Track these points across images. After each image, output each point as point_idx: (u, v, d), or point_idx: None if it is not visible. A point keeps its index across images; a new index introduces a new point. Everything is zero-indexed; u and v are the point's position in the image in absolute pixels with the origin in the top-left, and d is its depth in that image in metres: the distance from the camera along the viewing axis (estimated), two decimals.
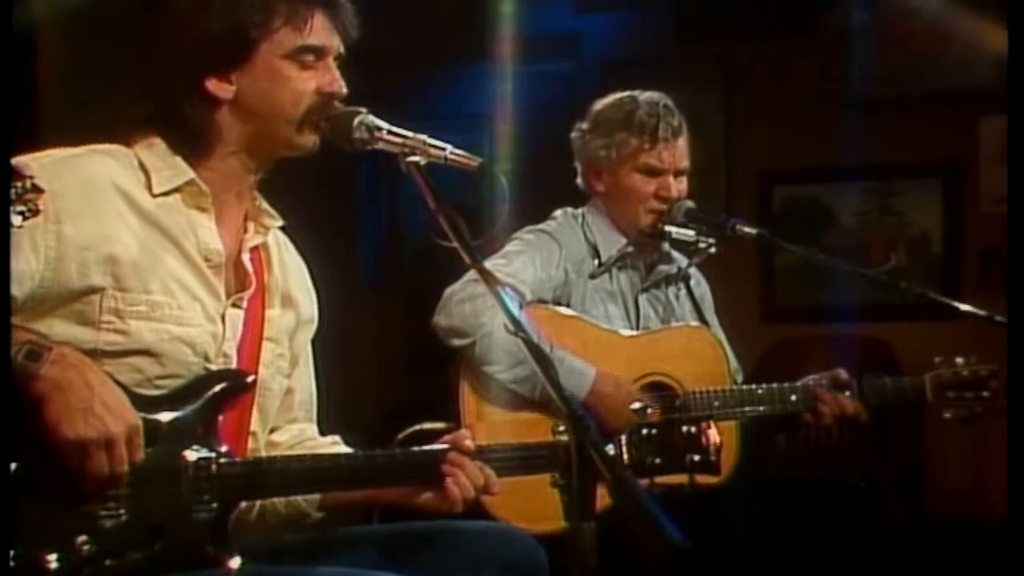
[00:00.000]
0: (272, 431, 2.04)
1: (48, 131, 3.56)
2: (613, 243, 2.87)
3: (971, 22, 4.56)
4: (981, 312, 2.72)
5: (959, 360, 2.78)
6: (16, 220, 1.60)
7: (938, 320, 2.94)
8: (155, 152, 1.87)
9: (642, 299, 2.90)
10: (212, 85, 1.86)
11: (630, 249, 2.87)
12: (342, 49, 1.93)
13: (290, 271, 2.05)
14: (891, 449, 4.58)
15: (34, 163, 1.73)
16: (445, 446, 1.94)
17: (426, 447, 1.97)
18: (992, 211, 4.68)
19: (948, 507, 4.62)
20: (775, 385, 2.74)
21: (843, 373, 2.76)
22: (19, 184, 1.59)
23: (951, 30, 4.67)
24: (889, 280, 3.00)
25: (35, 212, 1.61)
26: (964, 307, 2.76)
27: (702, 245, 2.80)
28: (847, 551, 2.76)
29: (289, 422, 2.08)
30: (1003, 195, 4.45)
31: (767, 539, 2.58)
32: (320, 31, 1.89)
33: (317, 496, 2.00)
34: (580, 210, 2.94)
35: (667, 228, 2.80)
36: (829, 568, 2.76)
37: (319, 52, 1.89)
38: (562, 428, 1.82)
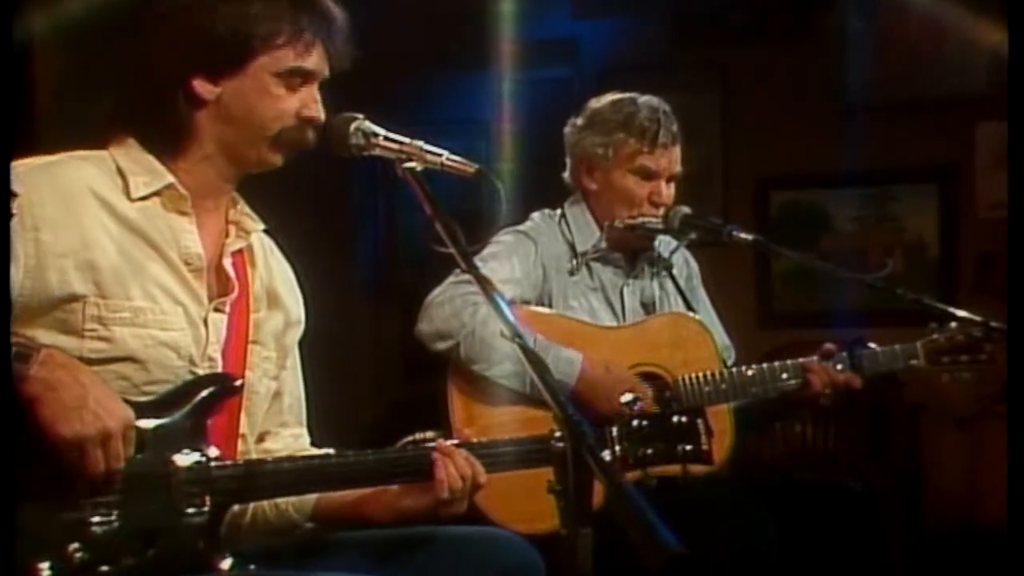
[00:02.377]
0: (264, 437, 2.04)
1: (46, 136, 3.56)
2: (590, 240, 2.87)
3: (967, 27, 4.57)
4: (977, 318, 2.72)
5: (953, 324, 2.78)
6: None
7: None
8: (132, 156, 1.86)
9: (626, 291, 2.90)
10: (198, 84, 1.85)
11: (604, 244, 2.87)
12: (327, 74, 1.93)
13: (275, 273, 2.05)
14: (888, 453, 4.58)
15: (10, 172, 1.73)
16: (431, 445, 1.94)
17: (416, 447, 1.97)
18: (988, 216, 4.68)
19: (946, 511, 4.62)
20: (765, 365, 2.74)
21: (832, 346, 2.76)
22: None
23: (947, 36, 4.68)
24: (886, 286, 3.00)
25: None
26: (960, 313, 2.76)
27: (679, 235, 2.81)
28: (845, 556, 2.76)
29: (280, 426, 2.07)
30: (999, 200, 4.48)
31: (765, 544, 2.58)
32: (315, 56, 1.89)
33: (308, 508, 1.99)
34: (558, 210, 2.94)
35: (640, 219, 2.80)
36: (827, 573, 2.76)
37: (308, 76, 1.90)
38: (558, 434, 1.82)
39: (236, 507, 1.89)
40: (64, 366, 1.66)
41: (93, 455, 1.64)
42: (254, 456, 1.96)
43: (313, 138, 1.91)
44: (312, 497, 1.98)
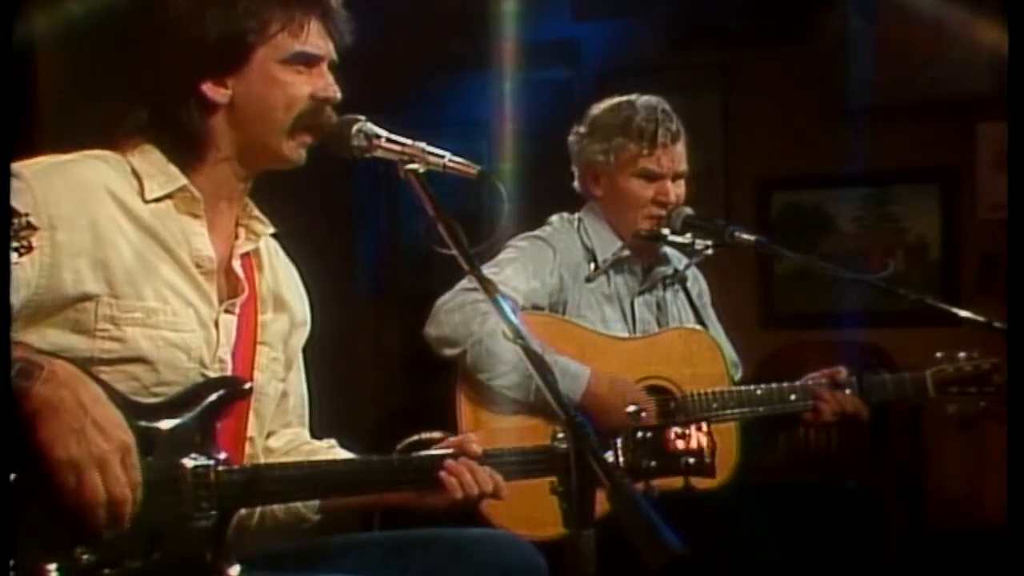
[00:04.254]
0: (267, 436, 2.04)
1: (46, 137, 3.56)
2: (610, 247, 2.87)
3: (968, 29, 4.57)
4: (979, 318, 2.72)
5: (961, 355, 2.77)
6: (13, 257, 1.63)
7: (936, 326, 2.94)
8: (148, 159, 1.87)
9: (638, 302, 2.90)
10: (208, 89, 1.86)
11: (626, 252, 2.87)
12: (335, 55, 1.93)
13: (281, 275, 2.05)
14: (890, 454, 4.58)
15: (26, 170, 1.74)
16: (445, 451, 1.94)
17: (426, 452, 1.97)
18: (989, 217, 4.69)
19: (947, 513, 4.62)
20: (774, 385, 2.73)
21: (842, 371, 2.76)
22: (15, 221, 1.61)
23: (948, 37, 4.68)
24: (887, 286, 3.01)
25: (29, 248, 1.65)
26: (962, 313, 2.76)
27: (698, 247, 2.80)
28: (845, 558, 2.76)
29: (284, 426, 2.08)
30: (1000, 201, 4.48)
31: (766, 546, 2.58)
32: (315, 37, 1.90)
33: (318, 501, 2.00)
34: (576, 215, 2.94)
35: (663, 231, 2.81)
36: (828, 575, 2.76)
37: (314, 59, 1.90)
38: (561, 435, 1.82)
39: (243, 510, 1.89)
40: (67, 384, 1.63)
41: (90, 479, 1.61)
42: (261, 458, 1.96)
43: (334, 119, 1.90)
44: None
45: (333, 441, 2.10)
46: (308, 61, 1.89)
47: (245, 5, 1.85)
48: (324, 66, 1.92)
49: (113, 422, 1.65)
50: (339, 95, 1.91)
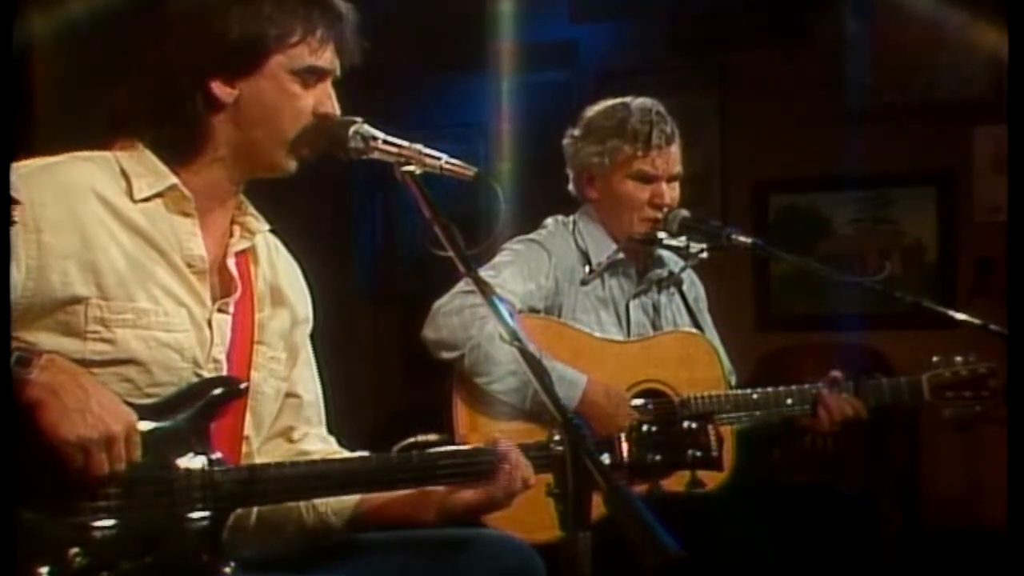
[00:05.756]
0: (293, 437, 2.03)
1: (45, 136, 3.56)
2: (604, 249, 2.87)
3: (965, 32, 4.58)
4: (976, 321, 2.73)
5: (958, 359, 2.78)
6: None
7: (933, 329, 2.94)
8: (137, 158, 1.86)
9: (633, 305, 2.90)
10: (215, 87, 1.86)
11: (621, 255, 2.87)
12: (339, 72, 1.93)
13: (281, 272, 2.04)
14: (887, 455, 4.58)
15: (12, 173, 1.73)
16: (443, 449, 1.93)
17: (421, 452, 1.97)
18: (986, 220, 4.70)
19: (943, 514, 4.62)
20: (771, 389, 2.74)
21: (839, 375, 2.76)
22: None
23: (945, 40, 4.69)
24: (884, 289, 3.01)
25: (11, 222, 1.63)
26: (959, 316, 2.76)
27: (694, 250, 2.80)
28: (842, 559, 2.76)
29: (305, 423, 2.05)
30: (997, 204, 4.49)
31: (762, 547, 2.58)
32: (329, 53, 1.90)
33: (348, 512, 1.97)
34: (571, 217, 2.94)
35: (659, 234, 2.81)
36: None
37: (323, 73, 1.90)
38: (558, 438, 1.82)
39: (240, 510, 1.88)
40: (65, 370, 1.66)
41: (97, 458, 1.64)
42: (257, 458, 1.95)
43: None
44: (351, 500, 1.96)
45: (366, 454, 2.07)
46: (317, 75, 1.89)
47: (270, 11, 1.86)
48: (328, 82, 1.92)
49: (115, 403, 1.68)
50: (338, 112, 1.91)
